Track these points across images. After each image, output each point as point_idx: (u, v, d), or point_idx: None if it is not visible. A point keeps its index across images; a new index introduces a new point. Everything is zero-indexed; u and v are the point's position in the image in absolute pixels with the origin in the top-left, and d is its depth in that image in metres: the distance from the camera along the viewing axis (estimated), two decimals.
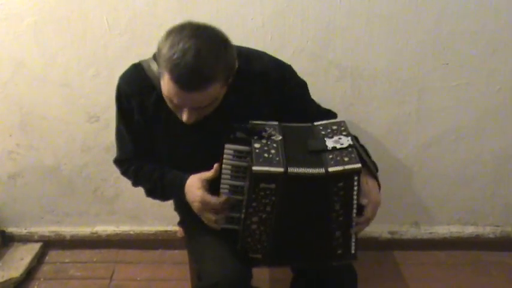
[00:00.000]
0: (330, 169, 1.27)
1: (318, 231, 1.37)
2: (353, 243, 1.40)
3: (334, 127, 1.40)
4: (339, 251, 1.40)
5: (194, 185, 1.37)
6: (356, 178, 1.29)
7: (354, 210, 1.34)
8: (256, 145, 1.30)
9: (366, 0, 1.97)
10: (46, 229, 2.45)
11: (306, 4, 1.95)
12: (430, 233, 2.52)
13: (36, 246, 2.42)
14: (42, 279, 2.29)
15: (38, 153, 2.26)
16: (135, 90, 1.44)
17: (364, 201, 1.36)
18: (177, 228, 1.86)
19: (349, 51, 2.07)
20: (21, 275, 2.23)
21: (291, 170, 1.25)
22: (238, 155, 1.32)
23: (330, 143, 1.33)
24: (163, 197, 1.53)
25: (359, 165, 1.28)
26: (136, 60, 1.95)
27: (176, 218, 1.80)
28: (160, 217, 2.42)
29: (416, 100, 2.19)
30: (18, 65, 2.07)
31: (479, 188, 2.42)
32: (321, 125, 1.42)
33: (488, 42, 2.08)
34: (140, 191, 2.20)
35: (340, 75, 2.10)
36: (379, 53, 2.08)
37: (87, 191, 2.36)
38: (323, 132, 1.38)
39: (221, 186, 1.34)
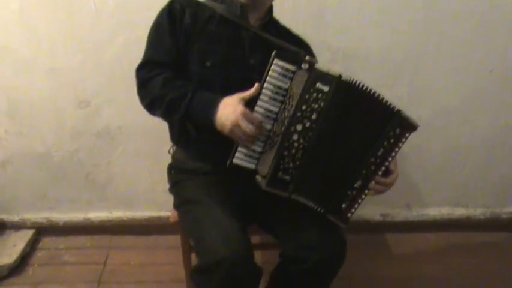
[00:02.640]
0: (402, 112, 1.34)
1: (348, 169, 1.40)
2: (356, 206, 1.43)
3: None
4: (344, 205, 1.42)
5: (234, 101, 1.34)
6: (408, 135, 1.36)
7: (383, 168, 1.39)
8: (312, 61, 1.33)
9: None
10: (38, 216, 2.40)
11: None
12: (422, 215, 2.53)
13: (29, 233, 2.37)
14: (36, 265, 2.24)
15: (27, 140, 2.20)
16: (190, 4, 1.51)
17: (392, 166, 1.42)
18: (169, 214, 1.82)
19: (340, 33, 2.04)
20: (14, 261, 2.18)
21: (346, 78, 1.31)
22: (284, 73, 1.31)
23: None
24: (186, 111, 1.40)
25: (418, 125, 1.36)
26: (124, 44, 1.99)
27: (168, 203, 1.76)
28: (153, 203, 2.39)
29: (408, 82, 2.18)
30: (3, 50, 2.01)
31: (470, 169, 2.42)
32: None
33: (480, 24, 2.06)
34: (133, 174, 2.29)
35: (332, 57, 2.07)
36: (371, 35, 2.05)
37: (78, 177, 2.32)
38: None
39: (256, 108, 1.34)
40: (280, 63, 1.30)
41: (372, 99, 1.33)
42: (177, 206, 1.66)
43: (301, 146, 1.35)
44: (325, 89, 1.30)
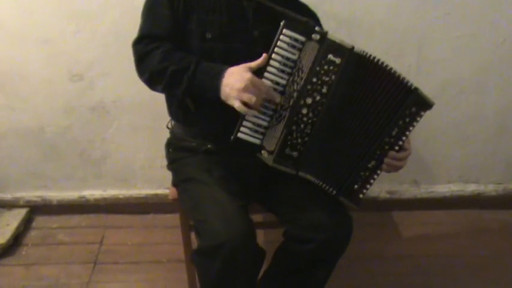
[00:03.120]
0: (419, 90, 1.34)
1: (361, 148, 1.40)
2: (368, 187, 1.44)
3: None
4: (356, 186, 1.43)
5: (240, 69, 1.33)
6: (423, 114, 1.37)
7: (397, 148, 1.40)
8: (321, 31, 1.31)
9: None
10: (32, 194, 2.42)
11: None
12: (430, 191, 2.53)
13: (23, 212, 2.40)
14: (30, 244, 2.27)
15: (19, 115, 2.22)
16: None
17: (406, 144, 1.43)
18: (167, 191, 1.83)
19: (345, 1, 2.03)
20: (8, 240, 2.20)
21: (359, 51, 1.30)
22: (293, 44, 1.30)
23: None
24: (190, 84, 1.37)
25: (434, 103, 1.37)
26: (119, 14, 1.99)
27: (166, 180, 1.77)
28: (150, 180, 2.42)
29: (416, 52, 2.17)
30: None
31: (481, 144, 2.41)
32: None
33: None
34: (129, 150, 2.28)
35: (337, 27, 2.06)
36: (377, 3, 2.04)
37: (72, 154, 2.34)
38: None
39: (263, 80, 1.33)
40: (290, 33, 1.29)
41: (387, 74, 1.33)
42: (175, 184, 1.66)
43: (310, 121, 1.35)
44: (337, 60, 1.30)
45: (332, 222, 1.45)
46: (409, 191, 2.52)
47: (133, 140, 2.31)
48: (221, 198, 1.39)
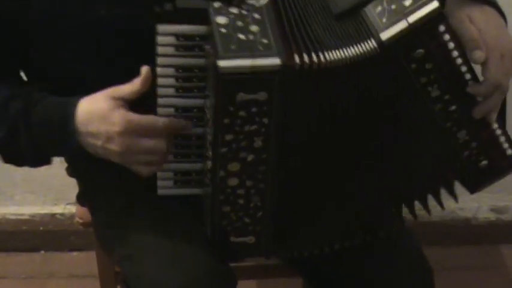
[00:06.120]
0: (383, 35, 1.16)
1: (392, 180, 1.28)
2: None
3: None
4: (482, 163, 1.34)
5: (101, 108, 1.20)
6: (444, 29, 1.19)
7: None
8: (221, 20, 1.12)
9: None
10: None
11: None
12: None
13: None
14: None
15: None
16: None
17: (477, 53, 1.22)
18: (73, 209, 1.86)
19: None
20: None
21: (296, 58, 1.11)
22: (185, 44, 1.17)
23: None
24: (32, 151, 1.28)
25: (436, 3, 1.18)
26: None
27: (69, 189, 1.75)
28: (41, 190, 2.32)
29: None
30: None
31: None
32: None
33: None
34: None
35: None
36: None
37: None
38: None
39: (158, 109, 1.22)
40: (171, 28, 1.15)
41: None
42: (82, 198, 1.62)
43: (252, 191, 1.24)
44: (261, 97, 1.12)
45: (401, 279, 1.38)
46: None
47: None
48: (164, 222, 1.35)
